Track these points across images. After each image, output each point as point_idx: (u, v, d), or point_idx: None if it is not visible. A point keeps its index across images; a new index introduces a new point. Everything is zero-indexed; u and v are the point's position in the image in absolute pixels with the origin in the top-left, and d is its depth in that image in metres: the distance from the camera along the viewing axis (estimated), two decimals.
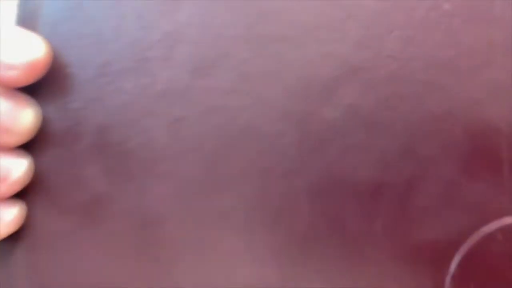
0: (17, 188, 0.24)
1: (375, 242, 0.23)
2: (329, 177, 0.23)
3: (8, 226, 0.24)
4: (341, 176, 0.23)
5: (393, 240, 0.23)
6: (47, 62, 0.23)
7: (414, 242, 0.23)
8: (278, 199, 0.24)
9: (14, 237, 0.24)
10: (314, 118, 0.23)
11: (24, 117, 0.23)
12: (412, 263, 0.23)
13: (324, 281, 0.23)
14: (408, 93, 0.23)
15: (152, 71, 0.23)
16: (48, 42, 0.23)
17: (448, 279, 0.23)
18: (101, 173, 0.24)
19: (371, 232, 0.23)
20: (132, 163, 0.24)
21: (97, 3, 0.24)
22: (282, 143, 0.23)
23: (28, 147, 0.24)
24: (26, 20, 0.24)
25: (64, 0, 0.24)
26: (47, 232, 0.24)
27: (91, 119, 0.24)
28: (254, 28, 0.23)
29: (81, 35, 0.24)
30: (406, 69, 0.23)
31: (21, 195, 0.24)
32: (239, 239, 0.24)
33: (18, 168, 0.23)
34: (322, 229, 0.23)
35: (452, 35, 0.23)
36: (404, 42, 0.23)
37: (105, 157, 0.24)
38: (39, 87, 0.24)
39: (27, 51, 0.23)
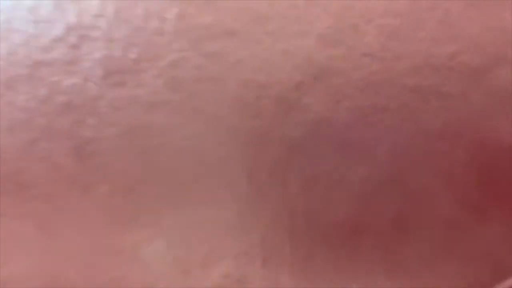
0: None
1: None
2: (291, 217, 0.17)
3: None
4: (307, 216, 0.17)
5: None
6: None
7: None
8: (224, 250, 0.18)
9: None
10: (270, 139, 0.17)
11: None
12: None
13: None
14: (394, 103, 0.17)
15: (51, 79, 0.18)
16: None
17: None
18: None
19: None
20: (27, 202, 0.18)
21: None
22: (228, 172, 0.18)
23: None
24: None
25: None
26: None
27: None
28: (188, 20, 0.18)
29: None
30: (390, 72, 0.17)
31: None
32: None
33: None
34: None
35: (451, 25, 0.17)
36: (387, 35, 0.17)
37: None
38: None
39: None
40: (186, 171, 0.18)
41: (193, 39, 0.17)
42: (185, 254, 0.18)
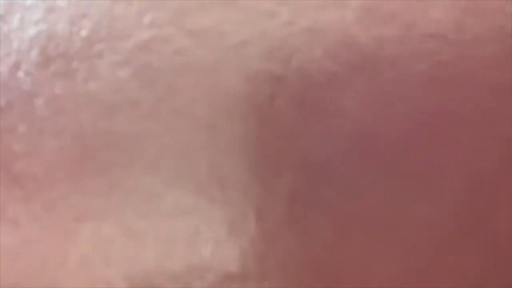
0: None
1: None
2: (316, 278, 0.12)
3: None
4: (340, 279, 0.12)
5: None
6: None
7: None
8: None
9: None
10: (287, 158, 0.12)
11: None
12: None
13: None
14: (474, 108, 0.12)
15: None
16: None
17: None
18: None
19: None
20: None
21: None
22: (227, 205, 0.12)
23: None
24: None
25: None
26: None
27: None
28: None
29: None
30: (468, 62, 0.12)
31: None
32: None
33: None
34: None
35: None
36: (465, 7, 0.12)
37: None
38: None
39: None
40: (164, 200, 0.13)
41: (174, 10, 0.12)
42: None
